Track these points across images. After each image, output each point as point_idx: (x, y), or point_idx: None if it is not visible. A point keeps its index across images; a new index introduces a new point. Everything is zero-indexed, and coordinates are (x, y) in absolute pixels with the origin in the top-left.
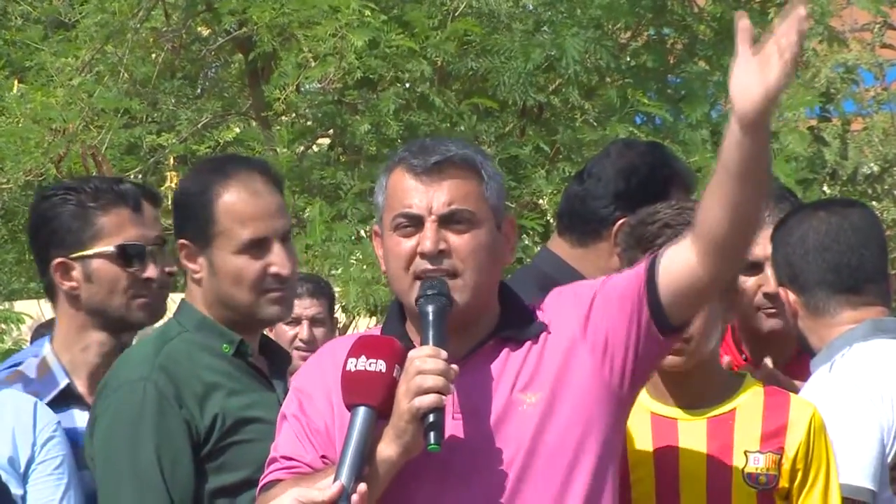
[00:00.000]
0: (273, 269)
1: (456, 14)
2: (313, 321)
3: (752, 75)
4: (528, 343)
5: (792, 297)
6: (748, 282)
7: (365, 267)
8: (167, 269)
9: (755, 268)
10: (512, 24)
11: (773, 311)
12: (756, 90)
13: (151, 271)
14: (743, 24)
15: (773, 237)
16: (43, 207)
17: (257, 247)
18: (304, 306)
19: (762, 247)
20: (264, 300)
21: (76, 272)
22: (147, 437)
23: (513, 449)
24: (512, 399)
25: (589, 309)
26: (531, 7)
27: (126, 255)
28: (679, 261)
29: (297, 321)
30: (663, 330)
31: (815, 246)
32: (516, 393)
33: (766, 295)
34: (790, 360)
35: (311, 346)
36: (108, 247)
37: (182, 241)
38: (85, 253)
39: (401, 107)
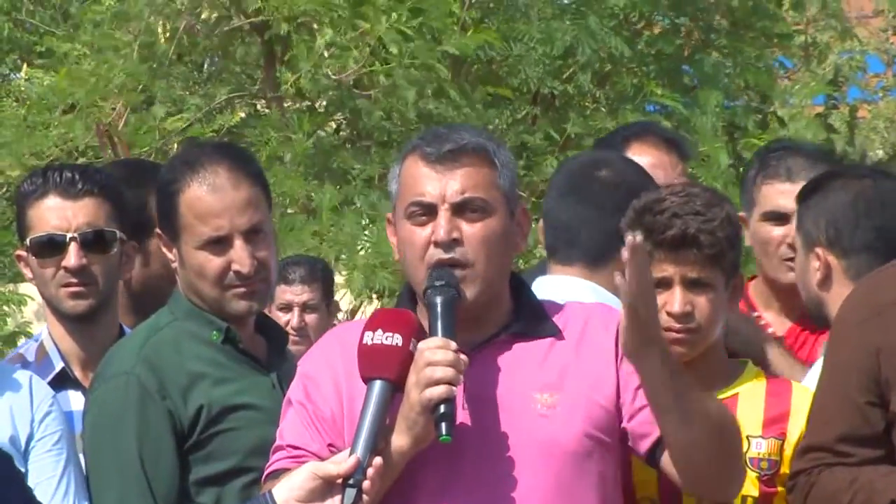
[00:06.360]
0: (234, 267)
1: (472, 2)
2: (305, 307)
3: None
4: (543, 342)
5: (831, 259)
6: (773, 232)
7: (370, 252)
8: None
9: (782, 219)
10: (529, 11)
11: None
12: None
13: (70, 260)
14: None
15: (804, 199)
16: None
17: (218, 244)
18: (296, 293)
19: (792, 199)
20: (229, 295)
21: (27, 264)
22: (129, 431)
23: (520, 443)
24: (524, 395)
25: (618, 360)
26: None
27: (39, 247)
28: (669, 467)
29: (288, 308)
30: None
31: (865, 211)
32: (530, 390)
33: (790, 247)
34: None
35: (302, 333)
36: (30, 239)
37: (158, 230)
38: (24, 246)
39: (416, 94)
